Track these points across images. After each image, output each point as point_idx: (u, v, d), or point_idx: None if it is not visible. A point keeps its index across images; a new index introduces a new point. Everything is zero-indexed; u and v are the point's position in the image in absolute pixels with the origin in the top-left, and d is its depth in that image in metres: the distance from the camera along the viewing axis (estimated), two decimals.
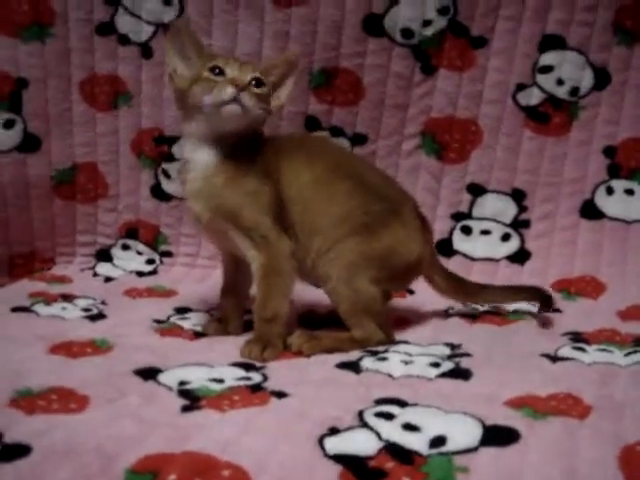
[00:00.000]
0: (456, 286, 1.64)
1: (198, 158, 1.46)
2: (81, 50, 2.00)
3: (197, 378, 1.26)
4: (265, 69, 1.48)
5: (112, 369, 1.29)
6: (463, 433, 1.02)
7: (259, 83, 1.43)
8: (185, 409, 1.12)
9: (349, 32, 1.94)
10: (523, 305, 1.72)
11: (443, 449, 0.98)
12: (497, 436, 1.00)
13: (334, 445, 0.99)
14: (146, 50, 2.01)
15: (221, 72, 1.42)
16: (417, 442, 0.99)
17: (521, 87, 1.96)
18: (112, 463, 0.95)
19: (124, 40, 2.00)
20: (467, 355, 1.39)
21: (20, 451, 0.97)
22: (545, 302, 1.64)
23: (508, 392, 1.17)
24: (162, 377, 1.26)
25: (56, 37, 1.97)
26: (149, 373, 1.27)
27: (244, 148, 1.45)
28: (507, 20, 1.94)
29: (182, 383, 1.23)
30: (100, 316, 1.66)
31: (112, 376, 1.25)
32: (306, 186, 1.47)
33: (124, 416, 1.08)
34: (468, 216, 2.01)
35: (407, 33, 1.95)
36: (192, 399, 1.16)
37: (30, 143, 2.00)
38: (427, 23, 1.95)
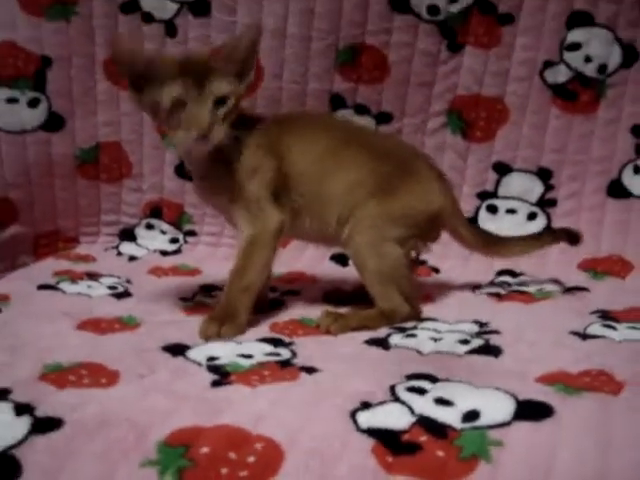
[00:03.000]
0: (481, 237, 1.65)
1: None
2: (105, 28, 2.00)
3: (225, 354, 1.26)
4: (227, 56, 1.40)
5: (140, 345, 1.30)
6: (496, 408, 1.00)
7: (222, 100, 1.38)
8: (215, 384, 1.12)
9: (375, 8, 1.94)
10: (549, 285, 1.72)
11: (477, 423, 0.97)
12: (531, 411, 0.99)
13: (367, 419, 0.99)
14: (170, 28, 2.01)
15: (180, 102, 1.35)
16: (450, 416, 0.99)
17: (548, 64, 1.95)
18: (145, 436, 0.96)
19: (148, 18, 2.00)
20: (496, 332, 1.37)
21: (52, 424, 0.98)
22: (573, 238, 1.66)
23: (539, 368, 1.16)
24: (191, 353, 1.27)
25: (80, 15, 1.98)
26: (178, 349, 1.28)
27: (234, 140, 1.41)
28: None
29: (211, 359, 1.23)
30: (126, 294, 1.67)
31: (141, 352, 1.26)
32: (314, 160, 1.48)
33: (155, 390, 1.09)
34: (494, 195, 2.01)
35: (433, 10, 1.94)
36: (221, 374, 1.16)
37: (54, 122, 2.01)
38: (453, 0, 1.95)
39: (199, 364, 1.21)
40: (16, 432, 0.97)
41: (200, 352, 1.27)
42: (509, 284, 1.75)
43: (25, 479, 0.92)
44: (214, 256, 2.05)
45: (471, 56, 1.97)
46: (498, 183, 2.01)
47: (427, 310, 1.54)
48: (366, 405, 1.03)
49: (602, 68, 1.94)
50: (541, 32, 1.94)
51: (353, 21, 1.94)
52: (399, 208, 1.47)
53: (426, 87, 1.99)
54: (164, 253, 2.08)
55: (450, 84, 1.98)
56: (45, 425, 0.98)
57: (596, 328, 1.40)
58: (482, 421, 0.97)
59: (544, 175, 1.98)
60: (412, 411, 1.01)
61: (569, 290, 1.69)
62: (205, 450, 0.93)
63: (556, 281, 1.75)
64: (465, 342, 1.32)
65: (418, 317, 1.48)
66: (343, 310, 1.50)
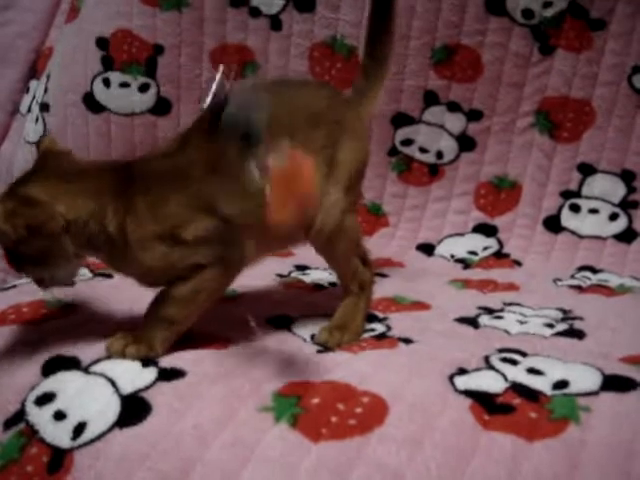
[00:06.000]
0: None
1: None
2: (214, 20, 2.08)
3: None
4: None
5: (245, 316, 1.37)
6: (584, 379, 1.06)
7: None
8: (320, 351, 1.22)
9: (472, 10, 1.99)
10: (629, 281, 1.76)
11: (566, 391, 1.03)
12: (616, 383, 1.05)
13: (463, 382, 1.05)
14: (275, 22, 2.09)
15: None
16: (541, 384, 1.05)
17: (637, 70, 1.98)
18: (261, 386, 1.05)
19: (255, 12, 2.08)
20: (580, 319, 1.42)
21: (176, 373, 1.08)
22: None
23: (622, 351, 1.21)
24: (294, 328, 1.34)
25: (192, 7, 2.07)
26: (282, 321, 1.36)
27: None
28: (627, 4, 1.96)
29: (313, 336, 1.30)
30: None
31: (247, 323, 1.35)
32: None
33: (266, 353, 1.18)
34: (577, 194, 2.02)
35: (528, 13, 1.99)
36: (324, 346, 1.25)
37: (162, 106, 2.10)
38: (548, 4, 1.99)
39: (304, 340, 1.29)
40: (144, 378, 1.07)
41: (302, 327, 1.34)
42: (589, 279, 1.79)
43: (155, 414, 1.02)
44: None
45: (562, 59, 2.00)
46: (582, 183, 2.02)
47: (511, 297, 1.59)
48: (462, 371, 1.09)
49: None
50: (631, 38, 1.97)
51: (450, 22, 2.00)
52: (347, 177, 1.29)
53: (517, 87, 2.03)
54: None
55: (540, 85, 2.02)
56: (170, 374, 1.08)
57: None
58: (571, 389, 1.04)
59: (627, 177, 2.00)
60: (505, 378, 1.07)
61: None
62: (316, 401, 1.01)
63: (636, 278, 1.78)
64: (550, 326, 1.37)
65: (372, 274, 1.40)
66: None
